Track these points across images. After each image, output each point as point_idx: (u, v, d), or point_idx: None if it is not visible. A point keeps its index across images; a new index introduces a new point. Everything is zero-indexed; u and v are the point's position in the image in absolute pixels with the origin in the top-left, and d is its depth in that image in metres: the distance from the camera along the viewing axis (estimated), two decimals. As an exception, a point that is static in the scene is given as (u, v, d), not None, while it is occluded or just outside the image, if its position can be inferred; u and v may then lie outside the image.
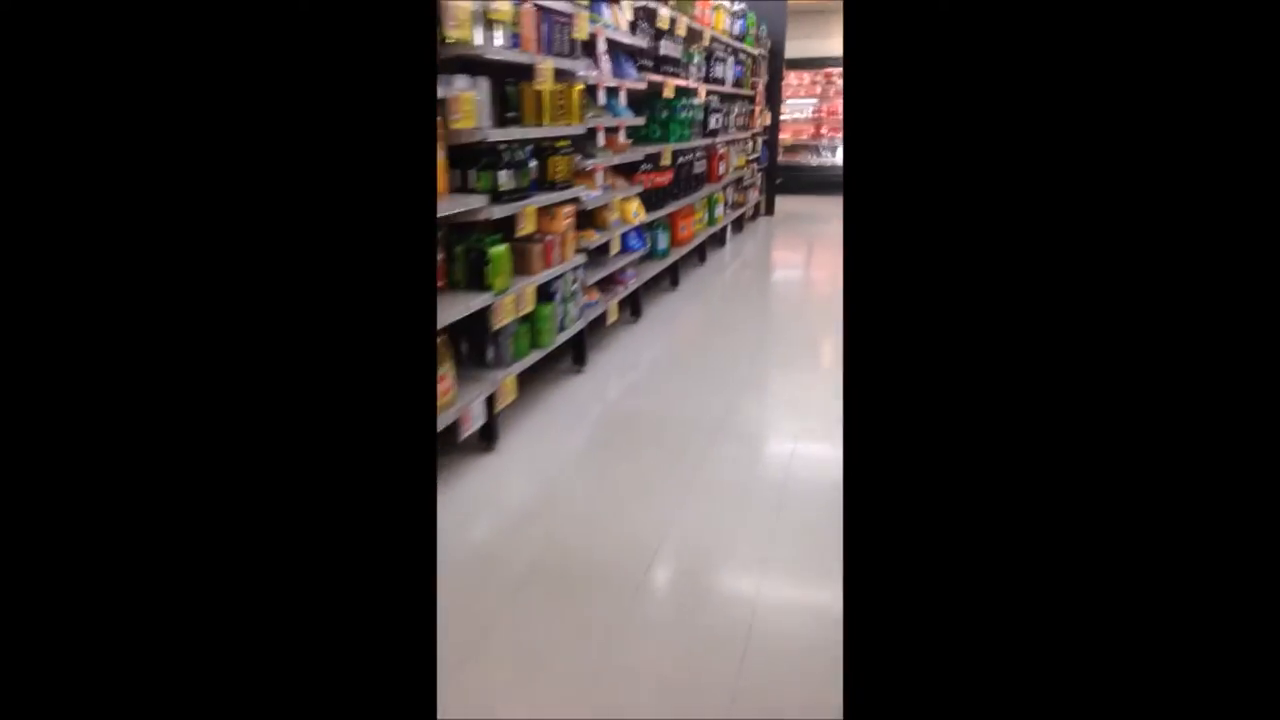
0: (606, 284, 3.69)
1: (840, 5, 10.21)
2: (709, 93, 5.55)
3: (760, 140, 8.01)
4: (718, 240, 6.50)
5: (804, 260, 6.88)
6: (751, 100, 7.22)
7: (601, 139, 3.27)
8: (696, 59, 5.02)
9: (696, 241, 5.43)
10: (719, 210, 6.14)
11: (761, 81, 7.68)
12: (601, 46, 3.19)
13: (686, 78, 4.83)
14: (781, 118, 9.69)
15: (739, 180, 7.05)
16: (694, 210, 5.32)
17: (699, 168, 5.39)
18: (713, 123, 5.59)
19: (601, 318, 3.57)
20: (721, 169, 6.04)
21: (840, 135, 10.80)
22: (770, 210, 8.66)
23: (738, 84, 6.38)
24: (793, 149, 10.86)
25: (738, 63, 6.28)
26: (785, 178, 9.96)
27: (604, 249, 3.52)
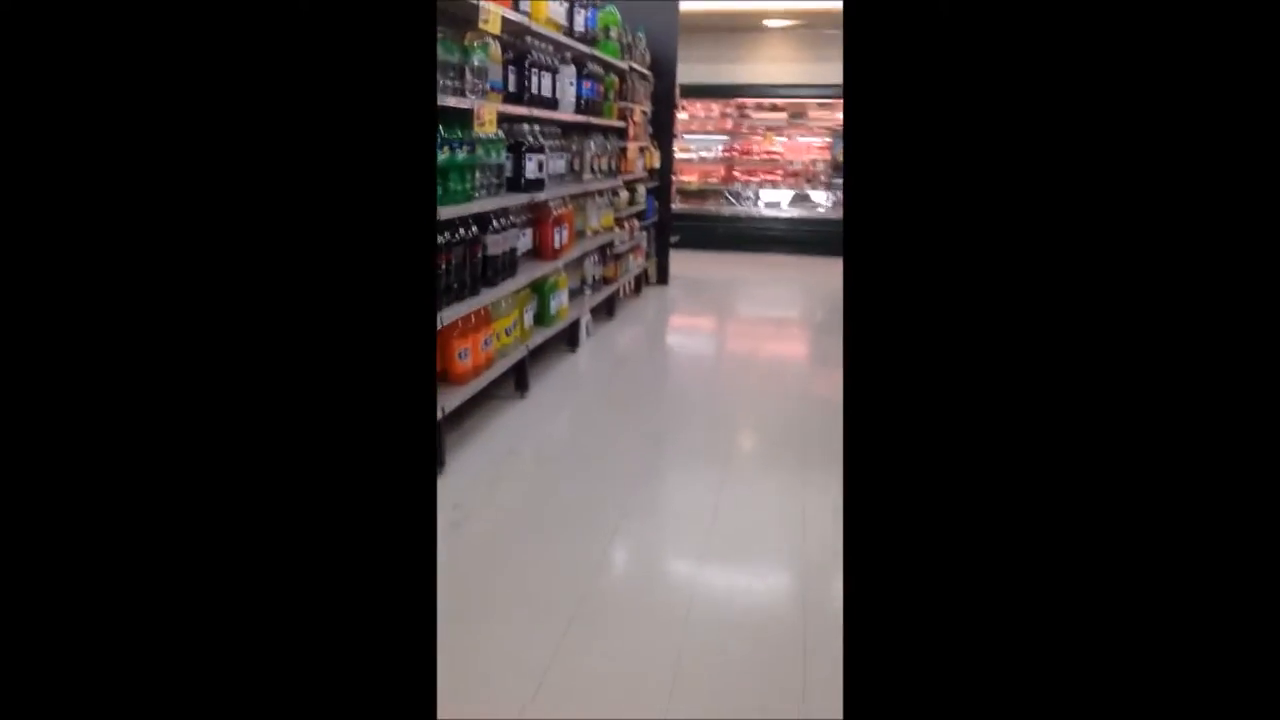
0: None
1: (756, 26, 8.33)
2: (520, 120, 3.38)
3: (644, 187, 5.90)
4: (563, 344, 4.30)
5: (712, 359, 4.69)
6: (622, 134, 5.10)
7: None
8: (478, 58, 2.83)
9: (499, 369, 3.20)
10: (559, 301, 3.94)
11: (640, 110, 5.58)
12: None
13: (453, 86, 2.64)
14: (678, 156, 7.66)
15: (605, 247, 4.90)
16: (490, 320, 3.09)
17: (506, 244, 3.19)
18: (532, 168, 3.40)
19: None
20: (561, 238, 3.86)
21: (759, 180, 8.83)
22: (663, 278, 6.54)
23: (589, 109, 4.23)
24: (697, 194, 8.83)
25: (586, 76, 4.15)
26: (685, 231, 7.88)
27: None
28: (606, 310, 5.12)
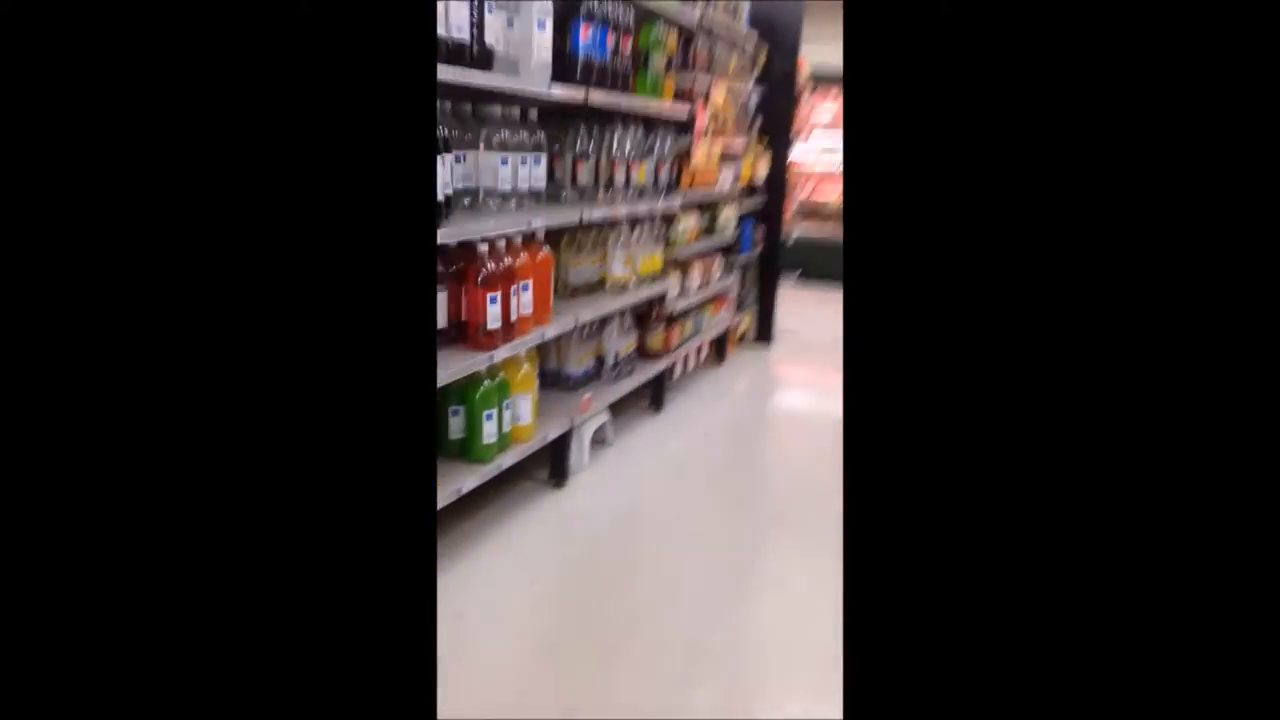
0: None
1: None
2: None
3: (733, 209, 4.06)
4: (539, 476, 2.58)
5: (819, 496, 2.61)
6: (686, 128, 3.30)
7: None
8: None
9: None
10: (511, 417, 2.21)
11: (725, 90, 3.75)
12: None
13: None
14: (810, 164, 5.73)
15: (653, 303, 3.12)
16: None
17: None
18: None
19: None
20: (508, 308, 2.13)
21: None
22: (765, 334, 4.64)
23: (587, 76, 2.47)
24: (838, 216, 6.81)
25: (585, 16, 2.38)
26: (813, 263, 5.93)
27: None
28: (652, 400, 3.34)
